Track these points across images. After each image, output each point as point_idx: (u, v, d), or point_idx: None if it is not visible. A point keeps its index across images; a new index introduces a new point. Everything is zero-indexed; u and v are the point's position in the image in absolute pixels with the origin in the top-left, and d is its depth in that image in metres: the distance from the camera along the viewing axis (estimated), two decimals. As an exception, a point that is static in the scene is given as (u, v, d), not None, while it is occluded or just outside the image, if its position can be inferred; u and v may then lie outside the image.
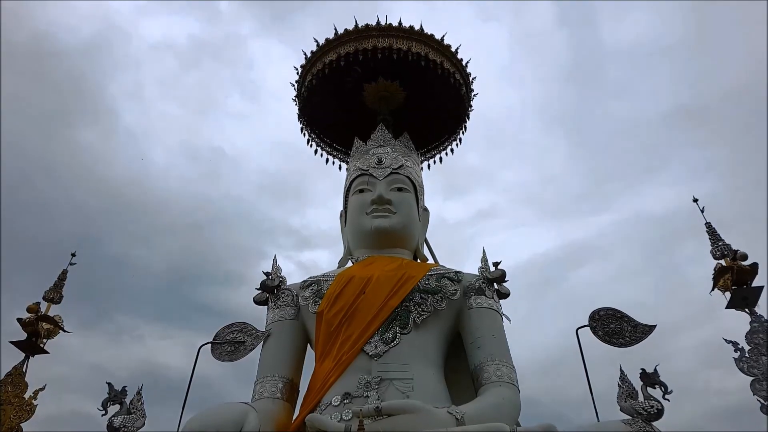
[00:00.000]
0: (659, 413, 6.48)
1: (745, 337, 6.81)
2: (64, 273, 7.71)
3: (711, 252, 7.56)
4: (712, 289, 7.39)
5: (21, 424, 6.65)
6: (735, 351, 6.71)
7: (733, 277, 7.13)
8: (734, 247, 7.50)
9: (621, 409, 6.65)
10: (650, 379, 6.65)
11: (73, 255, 7.90)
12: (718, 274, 7.35)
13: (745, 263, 7.26)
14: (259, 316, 9.48)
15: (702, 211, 7.91)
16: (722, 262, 7.45)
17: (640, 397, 6.64)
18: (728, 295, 7.28)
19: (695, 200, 8.05)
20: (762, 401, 6.35)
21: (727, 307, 7.24)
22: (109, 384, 7.24)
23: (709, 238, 7.68)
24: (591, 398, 7.55)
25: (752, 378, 6.51)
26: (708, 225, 7.79)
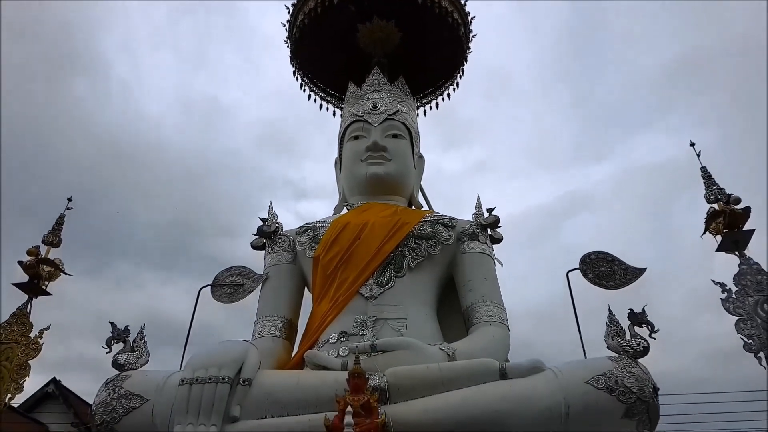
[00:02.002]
0: (645, 351, 6.69)
1: (733, 279, 6.94)
2: (62, 217, 7.77)
3: (705, 196, 7.59)
4: (704, 233, 7.47)
5: (29, 362, 6.87)
6: (722, 292, 6.85)
7: (725, 221, 7.19)
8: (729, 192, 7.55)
9: (608, 347, 6.86)
10: (637, 318, 6.82)
11: (69, 200, 7.95)
12: (710, 218, 7.41)
13: (738, 207, 7.32)
14: (258, 266, 9.64)
15: (698, 156, 7.90)
16: (715, 206, 7.50)
17: (627, 336, 6.84)
18: (719, 239, 7.37)
19: (692, 144, 8.02)
20: (745, 339, 6.55)
21: (717, 251, 7.33)
22: (112, 323, 7.44)
23: (704, 183, 7.70)
24: (580, 338, 7.76)
25: (737, 318, 6.70)
26: (703, 169, 7.79)
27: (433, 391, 6.72)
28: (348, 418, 5.02)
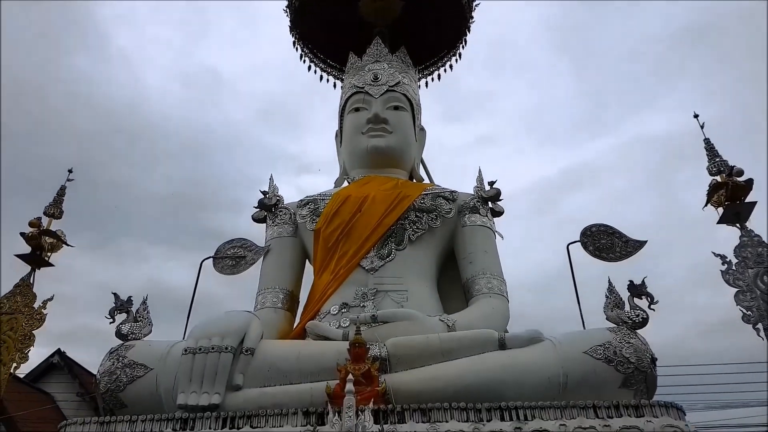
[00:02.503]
0: (644, 322, 6.74)
1: (734, 251, 6.94)
2: (63, 189, 7.77)
3: (707, 168, 7.55)
4: (705, 205, 7.45)
5: (33, 332, 6.94)
6: (723, 264, 6.87)
7: (727, 193, 7.16)
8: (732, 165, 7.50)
9: (607, 318, 6.91)
10: (637, 290, 6.86)
11: (70, 171, 7.93)
12: (713, 190, 7.37)
13: (740, 179, 7.28)
14: (260, 240, 9.68)
15: (702, 127, 7.83)
16: (717, 178, 7.46)
17: (627, 308, 6.88)
18: (721, 211, 7.35)
19: (696, 116, 7.94)
20: (744, 311, 6.59)
21: (718, 223, 7.32)
22: (114, 294, 7.49)
23: (707, 155, 7.64)
24: (579, 310, 7.81)
25: (737, 290, 6.72)
26: (706, 141, 7.73)
27: (433, 361, 6.81)
28: (349, 386, 5.08)
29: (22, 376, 13.43)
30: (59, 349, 14.33)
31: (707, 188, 7.48)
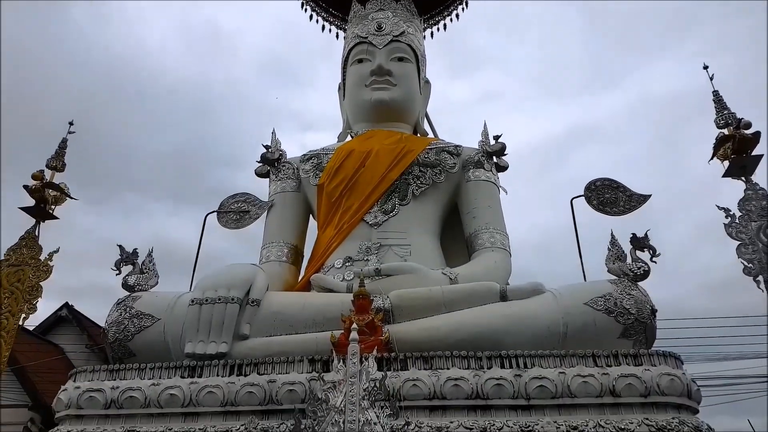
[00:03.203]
0: (645, 274, 6.80)
1: (738, 204, 6.89)
2: (65, 141, 7.70)
3: (715, 121, 7.41)
4: (711, 158, 7.34)
5: (40, 283, 7.01)
6: (726, 217, 6.83)
7: (734, 146, 7.06)
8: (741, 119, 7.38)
9: (608, 271, 6.96)
10: (640, 243, 6.88)
11: (71, 124, 7.84)
12: (719, 143, 7.25)
13: (748, 132, 7.17)
14: (265, 196, 9.67)
15: (711, 79, 7.65)
16: (725, 131, 7.35)
17: (629, 260, 6.92)
18: (727, 164, 7.27)
19: (705, 67, 7.75)
20: (745, 263, 6.60)
21: (723, 176, 7.23)
22: (120, 246, 7.57)
23: (715, 107, 7.48)
24: (581, 264, 7.86)
25: (739, 243, 6.72)
26: (715, 93, 7.56)
27: (435, 313, 6.92)
28: (353, 334, 5.17)
29: (31, 329, 13.72)
30: (67, 302, 14.56)
31: (714, 141, 7.38)
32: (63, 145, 7.71)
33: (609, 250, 7.04)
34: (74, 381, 6.32)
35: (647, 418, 5.43)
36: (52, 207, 7.47)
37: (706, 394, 6.64)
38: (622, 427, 5.40)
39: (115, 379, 6.22)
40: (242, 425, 5.50)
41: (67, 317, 14.43)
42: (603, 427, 5.41)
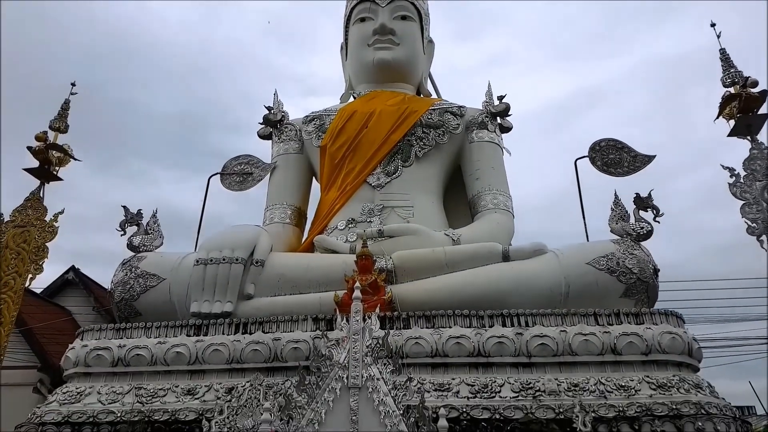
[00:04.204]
0: (648, 234, 6.79)
1: (743, 163, 6.82)
2: (67, 103, 7.63)
3: (721, 80, 7.27)
4: (717, 117, 7.24)
5: (46, 244, 7.06)
6: (731, 177, 6.77)
7: (740, 104, 6.95)
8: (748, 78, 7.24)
9: (611, 231, 6.96)
10: (643, 202, 6.86)
11: (73, 85, 7.74)
12: (726, 101, 7.14)
13: (754, 90, 7.05)
14: (268, 160, 9.63)
15: (718, 37, 7.48)
16: (731, 90, 7.23)
17: (632, 220, 6.91)
18: (732, 123, 7.18)
19: (712, 25, 7.57)
20: (749, 223, 6.59)
21: (729, 135, 7.14)
22: (124, 207, 7.59)
23: (722, 66, 7.34)
24: (584, 226, 7.86)
25: (743, 202, 6.68)
26: (722, 51, 7.40)
27: (438, 273, 6.95)
28: (357, 293, 5.21)
29: (38, 292, 13.88)
30: (73, 266, 14.66)
31: (720, 100, 7.26)
32: (66, 106, 7.65)
33: (612, 210, 7.02)
34: (81, 340, 6.43)
35: (648, 376, 5.51)
36: (56, 168, 7.46)
37: (707, 356, 6.72)
38: (623, 384, 5.48)
39: (121, 338, 6.32)
40: (248, 381, 5.59)
41: (74, 280, 14.52)
42: (604, 384, 5.49)
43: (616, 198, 7.07)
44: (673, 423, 5.06)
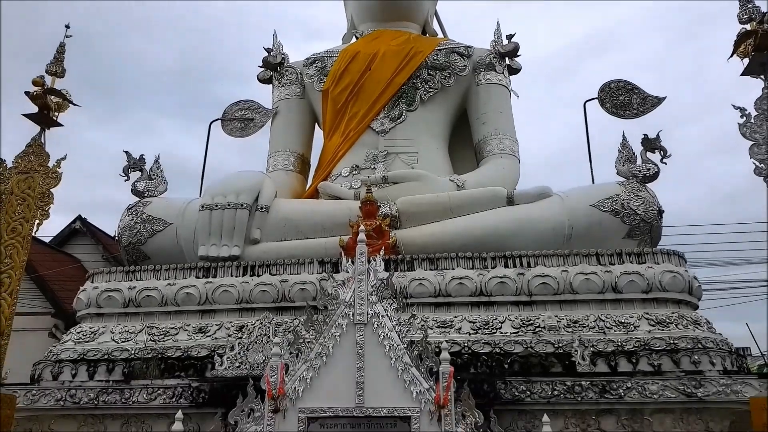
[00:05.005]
0: (655, 175, 6.76)
1: (754, 103, 6.67)
2: (62, 46, 7.45)
3: (737, 15, 7.04)
4: (731, 55, 7.04)
5: (50, 190, 7.07)
6: (741, 117, 6.65)
7: (756, 41, 6.74)
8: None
9: (618, 173, 6.92)
10: (651, 143, 6.79)
11: (68, 27, 7.55)
12: (741, 39, 6.89)
13: (771, 27, 6.82)
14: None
15: (735, -33, 7.20)
16: (747, 26, 6.99)
17: (639, 161, 6.85)
18: (746, 62, 6.98)
19: (731, -42, 7.28)
20: (757, 164, 6.50)
21: (742, 74, 6.95)
22: (126, 152, 7.58)
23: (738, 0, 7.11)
24: (590, 168, 7.81)
25: (752, 143, 6.58)
26: (740, -18, 7.14)
27: (442, 218, 6.98)
28: (361, 235, 5.25)
29: (47, 241, 14.05)
30: (80, 215, 14.77)
31: (735, 37, 7.04)
32: (61, 49, 7.49)
33: (619, 151, 6.96)
34: (92, 282, 6.55)
35: (647, 313, 5.61)
36: (56, 114, 7.39)
37: (707, 297, 6.79)
38: (622, 321, 5.58)
39: (131, 280, 6.45)
40: (257, 320, 5.75)
41: (81, 229, 14.68)
42: (603, 321, 5.60)
43: (624, 139, 7.00)
44: (670, 357, 5.18)
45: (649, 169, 6.74)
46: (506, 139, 8.50)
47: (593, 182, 7.68)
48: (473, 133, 8.84)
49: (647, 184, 6.72)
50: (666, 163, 6.75)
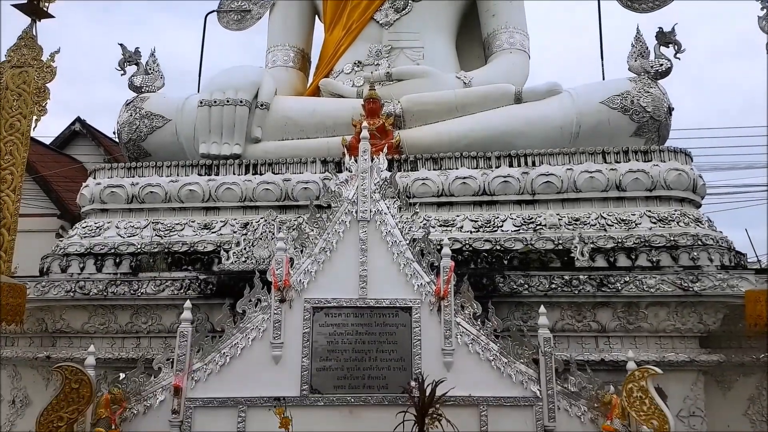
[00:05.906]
0: (667, 71, 6.53)
1: (778, -4, 6.34)
2: (45, -70, 7.00)
3: None
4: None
5: (46, 85, 6.90)
6: (762, 9, 6.32)
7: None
8: None
9: (629, 68, 6.67)
10: (665, 37, 6.50)
11: None
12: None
13: None
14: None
15: None
16: None
17: (651, 57, 6.60)
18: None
19: None
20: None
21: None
22: (121, 45, 7.30)
23: None
24: (601, 64, 7.55)
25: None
26: None
27: (448, 117, 6.81)
28: (364, 133, 5.17)
29: (48, 143, 13.95)
30: (79, 117, 14.55)
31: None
32: (45, -65, 6.99)
33: (632, 46, 6.66)
34: (95, 178, 6.55)
35: (649, 210, 5.62)
36: (46, 4, 7.05)
37: (708, 201, 6.78)
38: (624, 218, 5.61)
39: (133, 176, 6.44)
40: (261, 218, 5.80)
41: (81, 131, 14.54)
42: (605, 218, 5.63)
43: (638, 33, 6.67)
44: (669, 253, 5.24)
45: (661, 65, 6.49)
46: (517, 33, 8.10)
47: (603, 77, 7.46)
48: (482, 26, 8.40)
49: (659, 81, 6.50)
50: (679, 59, 6.49)
